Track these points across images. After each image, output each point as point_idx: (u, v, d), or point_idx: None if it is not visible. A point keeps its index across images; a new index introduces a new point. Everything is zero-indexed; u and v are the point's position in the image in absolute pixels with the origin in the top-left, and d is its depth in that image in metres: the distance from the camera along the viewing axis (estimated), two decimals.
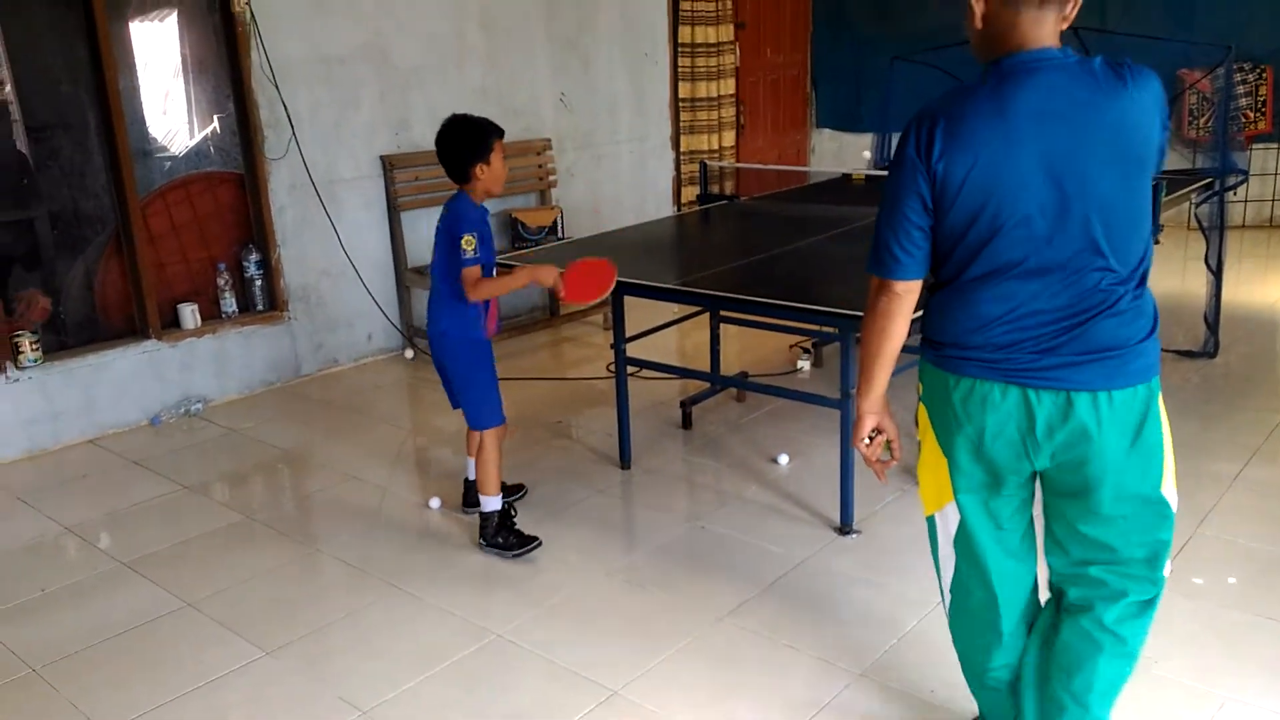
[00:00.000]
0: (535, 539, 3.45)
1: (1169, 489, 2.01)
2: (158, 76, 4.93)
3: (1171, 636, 2.75)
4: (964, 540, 2.13)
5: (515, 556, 3.42)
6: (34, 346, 4.49)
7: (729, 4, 7.81)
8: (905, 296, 2.03)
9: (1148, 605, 2.07)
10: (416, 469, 4.36)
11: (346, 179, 5.51)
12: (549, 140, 6.50)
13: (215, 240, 5.20)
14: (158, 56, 4.93)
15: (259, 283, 5.26)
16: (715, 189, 7.36)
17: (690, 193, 7.64)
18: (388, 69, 5.60)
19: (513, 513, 3.51)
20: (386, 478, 4.18)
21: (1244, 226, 7.83)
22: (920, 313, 2.11)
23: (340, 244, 5.48)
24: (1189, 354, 5.04)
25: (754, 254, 4.20)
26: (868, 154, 6.04)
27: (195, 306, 5.04)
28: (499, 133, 3.34)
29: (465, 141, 3.30)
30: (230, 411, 5.01)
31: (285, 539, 3.68)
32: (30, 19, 4.49)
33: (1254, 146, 7.55)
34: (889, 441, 2.18)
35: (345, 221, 5.51)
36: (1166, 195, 4.45)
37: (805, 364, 5.19)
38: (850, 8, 8.89)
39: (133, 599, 3.28)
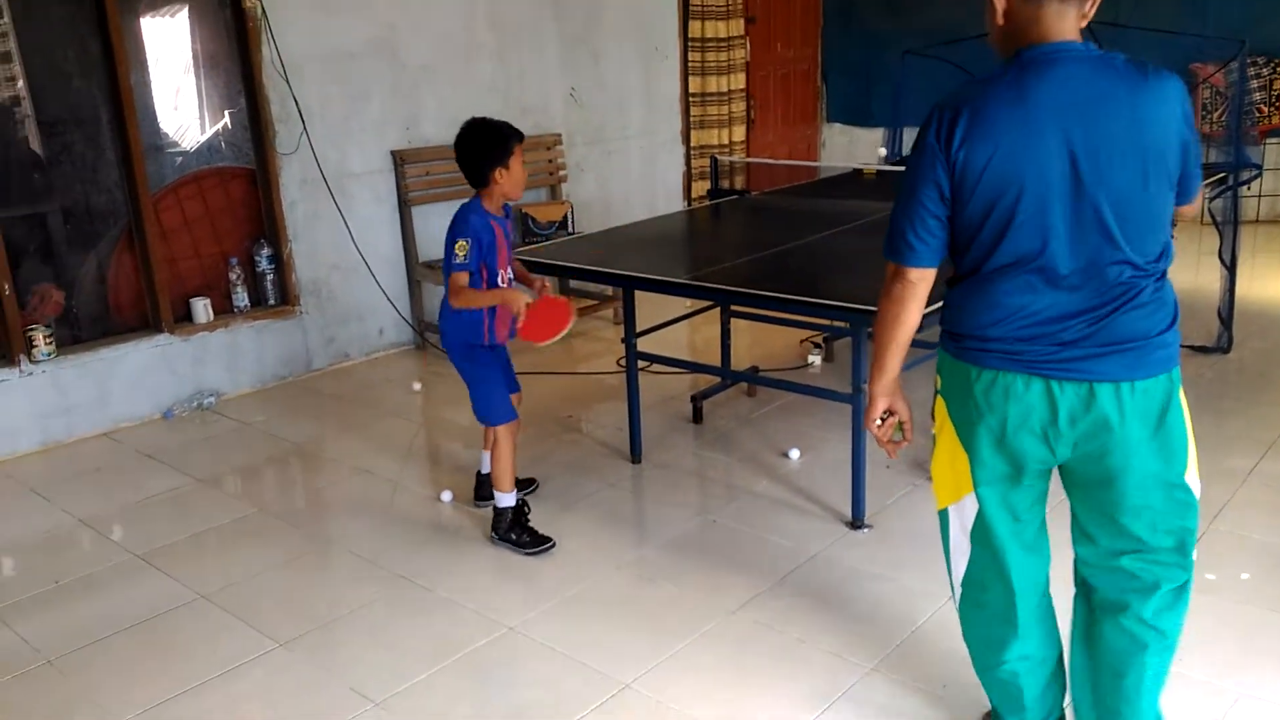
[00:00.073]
0: (549, 540, 3.44)
1: (1192, 477, 2.02)
2: (169, 72, 4.94)
3: (1185, 632, 2.73)
4: (982, 533, 2.12)
5: (527, 555, 3.42)
6: (47, 340, 4.51)
7: None
8: (919, 284, 2.04)
9: (1181, 592, 2.08)
10: (428, 462, 4.37)
11: (357, 174, 5.52)
12: (559, 135, 6.51)
13: (227, 235, 5.22)
14: (169, 52, 4.95)
15: (270, 277, 5.28)
16: (725, 184, 7.36)
17: (700, 188, 7.64)
18: (398, 65, 5.60)
19: (527, 509, 3.52)
20: (398, 471, 4.19)
21: (1258, 221, 7.79)
22: (936, 305, 2.11)
23: (351, 238, 5.49)
24: (1203, 349, 5.02)
25: (764, 249, 4.19)
26: (883, 150, 6.02)
27: (207, 301, 5.06)
28: (519, 137, 3.30)
29: (484, 145, 3.27)
30: (242, 405, 5.03)
31: (297, 532, 3.69)
32: (43, 15, 4.51)
33: (1268, 141, 7.51)
34: (900, 423, 2.21)
35: (356, 216, 5.52)
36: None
37: (816, 359, 5.19)
38: (861, 2, 8.87)
39: (145, 591, 3.30)
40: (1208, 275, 5.20)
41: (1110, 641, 2.11)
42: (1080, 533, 2.11)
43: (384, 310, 5.72)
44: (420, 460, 4.39)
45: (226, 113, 5.13)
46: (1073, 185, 1.85)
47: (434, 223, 5.72)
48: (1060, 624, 2.28)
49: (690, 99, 7.62)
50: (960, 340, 2.04)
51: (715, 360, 4.81)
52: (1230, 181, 5.04)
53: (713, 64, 7.66)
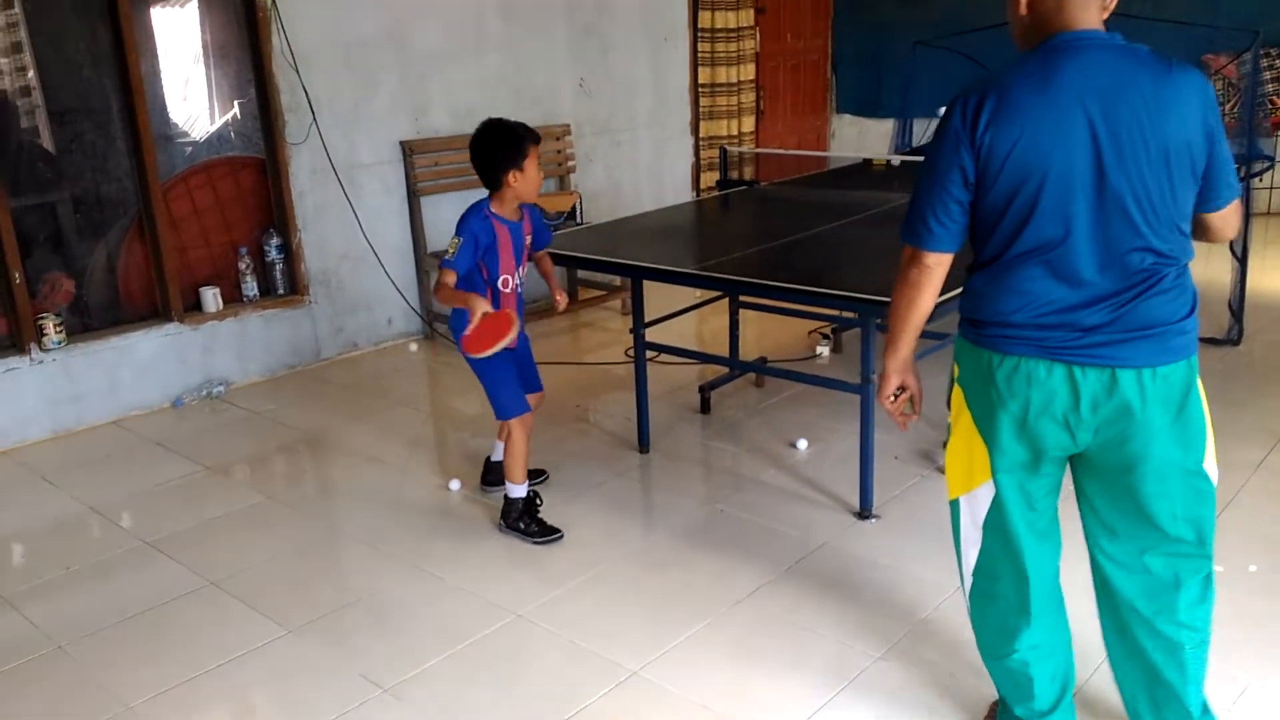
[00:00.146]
0: (557, 532, 3.45)
1: (1210, 465, 2.04)
2: (179, 62, 4.95)
3: None
4: (997, 521, 2.13)
5: (535, 544, 3.43)
6: (58, 329, 4.53)
7: None
8: (936, 269, 2.05)
9: (1206, 584, 2.10)
10: (436, 451, 4.38)
11: (366, 164, 5.53)
12: (568, 126, 6.50)
13: (236, 224, 5.23)
14: (179, 42, 4.95)
15: (280, 267, 5.29)
16: (735, 174, 7.34)
17: (709, 178, 7.63)
18: (407, 54, 5.60)
19: (538, 501, 3.53)
20: (406, 460, 4.20)
21: (1269, 213, 7.75)
22: (952, 293, 2.11)
23: (360, 228, 5.50)
24: (1213, 341, 5.01)
25: (773, 239, 4.19)
26: (897, 160, 5.98)
27: (217, 290, 5.07)
28: (534, 139, 3.29)
29: (497, 146, 3.26)
30: (251, 394, 5.04)
31: (306, 520, 3.71)
32: (53, 5, 4.51)
33: None
34: (911, 397, 2.26)
35: (365, 206, 5.53)
36: None
37: (824, 350, 5.18)
38: None
39: (155, 577, 3.31)
40: (1219, 267, 5.18)
41: (1147, 647, 2.13)
42: (1101, 526, 2.11)
43: (393, 300, 5.73)
44: (429, 449, 4.40)
45: (236, 102, 5.14)
46: (1096, 171, 1.86)
47: (443, 213, 5.73)
48: (1073, 628, 2.28)
49: (700, 89, 7.61)
50: (981, 327, 2.04)
51: (723, 351, 4.81)
52: (1242, 173, 5.02)
53: (722, 54, 7.64)
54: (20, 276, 4.43)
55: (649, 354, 4.12)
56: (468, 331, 3.15)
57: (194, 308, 5.04)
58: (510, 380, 3.46)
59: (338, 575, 3.33)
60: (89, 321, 4.78)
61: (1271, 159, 5.41)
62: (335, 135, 5.34)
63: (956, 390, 2.15)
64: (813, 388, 4.44)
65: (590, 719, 2.55)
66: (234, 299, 5.19)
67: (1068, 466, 2.13)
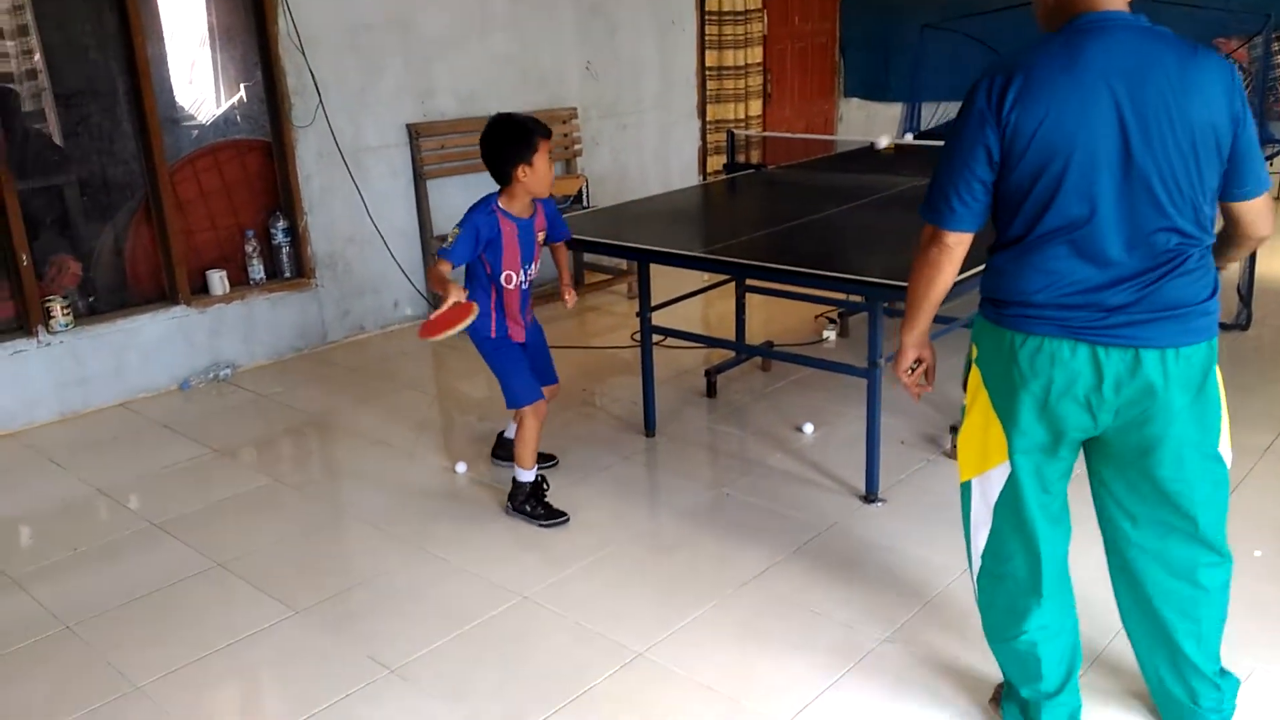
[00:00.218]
0: (564, 515, 3.45)
1: (1225, 448, 2.06)
2: (185, 44, 4.94)
3: None
4: (1012, 503, 2.13)
5: (541, 526, 3.43)
6: (65, 311, 4.54)
7: None
8: (956, 248, 2.06)
9: (1224, 560, 2.15)
10: (443, 434, 4.39)
11: (373, 147, 5.52)
12: (574, 109, 6.48)
13: (243, 207, 5.23)
14: (185, 24, 4.94)
15: (286, 250, 5.29)
16: (742, 158, 7.32)
17: (716, 162, 7.60)
18: (413, 37, 5.59)
19: (545, 485, 3.53)
20: (413, 443, 4.20)
21: (1278, 198, 7.70)
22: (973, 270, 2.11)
23: (367, 212, 5.50)
24: (1222, 326, 4.94)
25: (780, 223, 4.18)
26: (909, 137, 5.95)
27: (224, 273, 5.08)
28: (544, 132, 3.26)
29: (506, 141, 3.24)
30: (258, 377, 5.05)
31: (313, 502, 3.72)
32: None
33: None
34: (927, 370, 2.31)
35: (372, 189, 5.52)
36: None
37: (830, 334, 5.17)
38: None
39: (163, 559, 3.33)
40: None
41: (1166, 616, 2.17)
42: (1123, 513, 2.13)
43: (399, 283, 5.73)
44: (435, 432, 4.40)
45: (242, 85, 5.13)
46: (1122, 151, 1.87)
47: (449, 196, 5.72)
48: (1083, 612, 2.28)
49: (707, 72, 7.58)
50: (1002, 306, 2.04)
51: (730, 335, 4.81)
52: None
53: (729, 38, 7.61)
54: (27, 259, 4.44)
55: (655, 338, 4.11)
56: (431, 316, 3.14)
57: (201, 290, 5.04)
58: (521, 368, 3.46)
59: (344, 557, 3.34)
60: (96, 304, 4.79)
61: None
62: (341, 118, 5.33)
63: (974, 371, 2.15)
64: (819, 372, 4.44)
65: (596, 700, 2.56)
66: (240, 282, 5.19)
67: (1080, 452, 2.14)
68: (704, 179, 7.59)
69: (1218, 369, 2.02)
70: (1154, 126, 1.85)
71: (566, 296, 3.61)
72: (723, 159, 7.12)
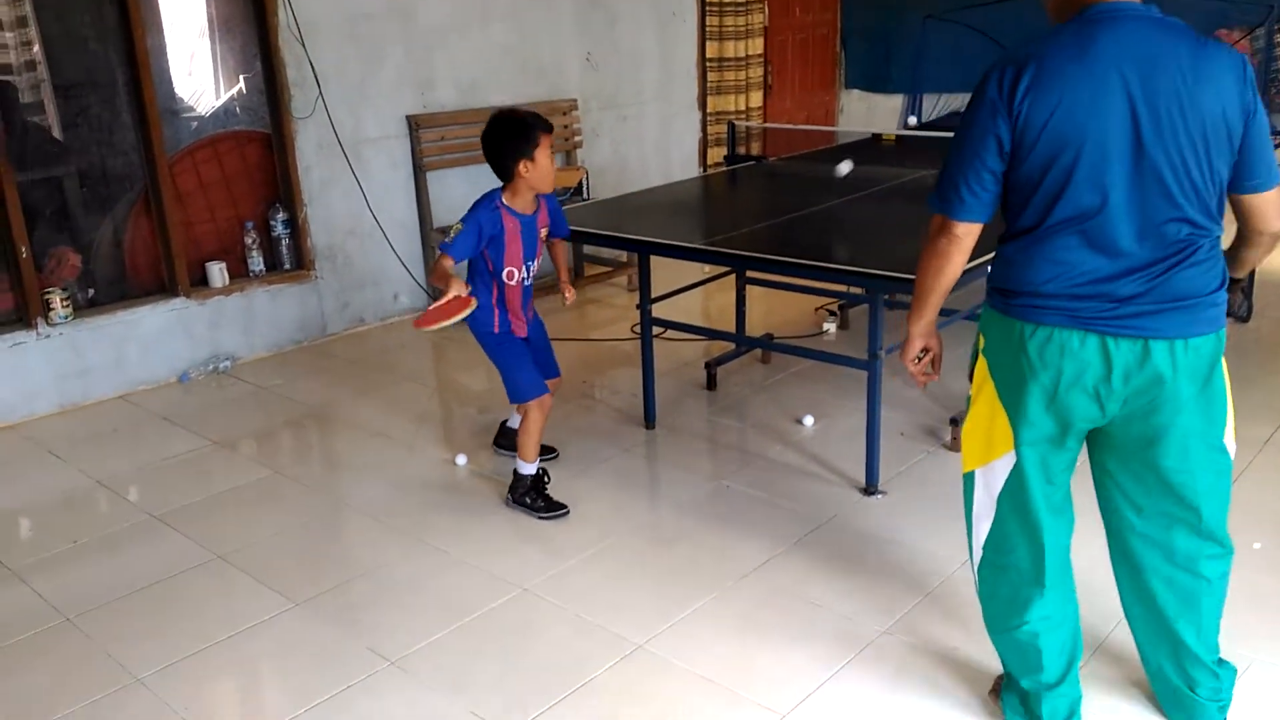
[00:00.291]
0: (564, 507, 3.45)
1: (1229, 439, 2.06)
2: (185, 36, 4.93)
3: None
4: (1017, 494, 2.14)
5: (540, 518, 3.43)
6: (64, 303, 4.54)
7: None
8: (964, 239, 2.05)
9: (1225, 550, 2.15)
10: (443, 426, 4.39)
11: (373, 138, 5.51)
12: (574, 100, 6.47)
13: (243, 199, 5.22)
14: (185, 15, 4.93)
15: (286, 242, 5.28)
16: (742, 150, 7.31)
17: (717, 154, 7.59)
18: (413, 27, 5.57)
19: (546, 479, 3.53)
20: (413, 435, 4.20)
21: None
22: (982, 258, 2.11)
23: (367, 203, 5.49)
24: None
25: (781, 215, 4.17)
26: (912, 119, 5.93)
27: (223, 265, 5.07)
28: (545, 127, 3.25)
29: (506, 137, 3.22)
30: (258, 369, 5.05)
31: (313, 494, 3.72)
32: None
33: None
34: (933, 359, 2.33)
35: (371, 181, 5.51)
36: None
37: (831, 326, 5.17)
38: None
39: (163, 551, 3.33)
40: (1227, 243, 5.15)
41: (1165, 606, 2.18)
42: (1129, 504, 2.14)
43: (399, 275, 5.72)
44: (435, 424, 4.40)
45: (242, 76, 5.11)
46: (1134, 141, 1.87)
47: (449, 188, 5.71)
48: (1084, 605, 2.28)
49: (707, 64, 7.56)
50: (1011, 296, 2.04)
51: (730, 327, 4.80)
52: None
53: (730, 29, 7.58)
54: (27, 251, 4.43)
55: (655, 330, 4.11)
56: (429, 308, 3.16)
57: (200, 283, 5.04)
58: (525, 363, 3.46)
59: (344, 549, 3.34)
60: (95, 296, 4.78)
61: None
62: (341, 110, 5.32)
63: (981, 361, 2.15)
64: (819, 364, 4.44)
65: (597, 691, 2.56)
66: (240, 274, 5.18)
67: (1084, 444, 2.15)
68: (704, 171, 7.58)
69: (1224, 360, 2.02)
70: (1165, 117, 1.85)
71: (567, 294, 3.61)
72: (723, 151, 7.11)
